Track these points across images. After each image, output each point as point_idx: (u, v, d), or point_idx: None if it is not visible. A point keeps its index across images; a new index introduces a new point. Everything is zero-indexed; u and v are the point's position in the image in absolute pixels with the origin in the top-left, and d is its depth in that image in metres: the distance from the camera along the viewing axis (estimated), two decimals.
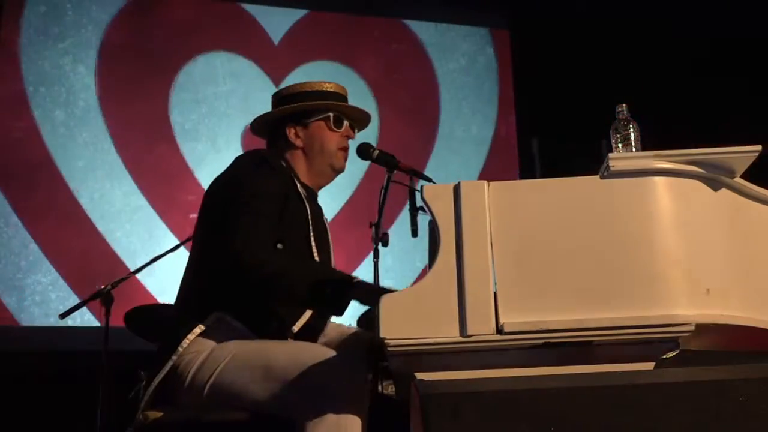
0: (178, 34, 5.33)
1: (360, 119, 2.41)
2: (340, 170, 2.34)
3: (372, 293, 1.89)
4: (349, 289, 1.94)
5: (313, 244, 2.19)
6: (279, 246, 2.07)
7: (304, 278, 1.97)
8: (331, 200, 5.03)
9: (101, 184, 4.93)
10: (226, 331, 2.03)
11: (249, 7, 5.55)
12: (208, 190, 2.24)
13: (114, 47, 5.16)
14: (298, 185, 2.21)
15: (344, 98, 2.37)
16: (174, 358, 1.98)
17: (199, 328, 2.01)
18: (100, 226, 4.86)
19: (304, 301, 2.05)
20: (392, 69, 5.77)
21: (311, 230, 2.19)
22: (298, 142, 2.29)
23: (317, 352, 1.95)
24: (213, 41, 5.41)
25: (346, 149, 2.33)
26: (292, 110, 2.29)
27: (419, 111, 5.79)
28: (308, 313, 2.10)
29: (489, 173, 5.66)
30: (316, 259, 2.20)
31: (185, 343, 1.99)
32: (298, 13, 5.66)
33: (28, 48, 5.02)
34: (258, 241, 1.97)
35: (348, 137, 2.34)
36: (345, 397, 1.84)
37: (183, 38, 5.33)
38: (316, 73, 5.37)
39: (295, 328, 2.07)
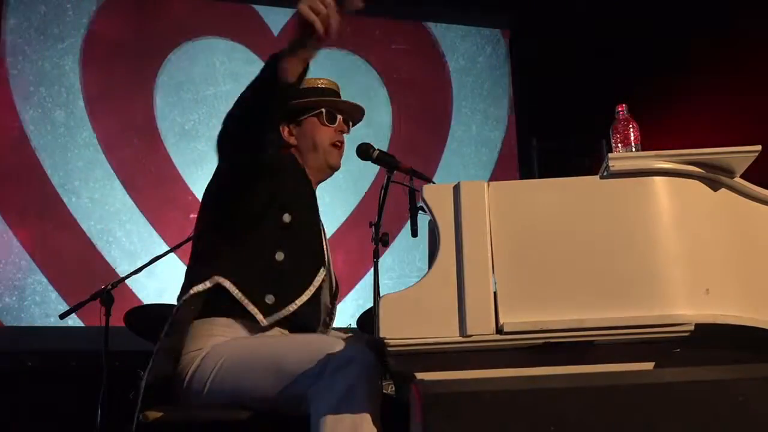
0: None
1: (353, 113, 2.38)
2: (335, 166, 2.32)
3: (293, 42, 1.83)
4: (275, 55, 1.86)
5: (320, 216, 2.23)
6: (285, 216, 2.09)
7: (247, 88, 1.93)
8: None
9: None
10: (223, 303, 2.00)
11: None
12: (207, 187, 2.24)
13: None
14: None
15: (336, 94, 2.35)
16: (167, 329, 1.98)
17: (195, 289, 2.00)
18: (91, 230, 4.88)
19: (255, 97, 1.93)
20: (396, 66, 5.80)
21: (316, 205, 2.24)
22: (292, 140, 2.29)
23: (326, 342, 1.89)
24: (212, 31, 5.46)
25: (340, 145, 2.31)
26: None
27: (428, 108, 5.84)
28: (306, 296, 2.07)
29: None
30: (323, 233, 2.25)
31: (183, 334, 1.98)
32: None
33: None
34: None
35: (342, 132, 2.32)
36: (361, 391, 1.78)
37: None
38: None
39: (292, 307, 2.03)
